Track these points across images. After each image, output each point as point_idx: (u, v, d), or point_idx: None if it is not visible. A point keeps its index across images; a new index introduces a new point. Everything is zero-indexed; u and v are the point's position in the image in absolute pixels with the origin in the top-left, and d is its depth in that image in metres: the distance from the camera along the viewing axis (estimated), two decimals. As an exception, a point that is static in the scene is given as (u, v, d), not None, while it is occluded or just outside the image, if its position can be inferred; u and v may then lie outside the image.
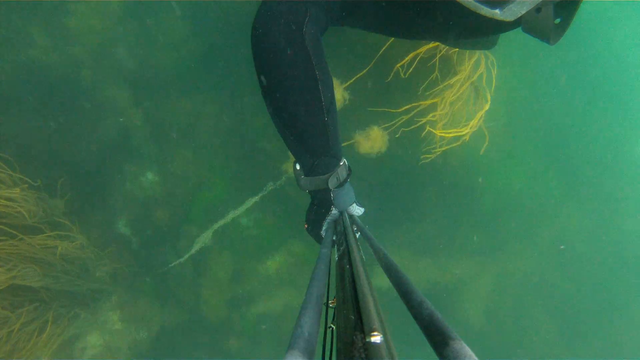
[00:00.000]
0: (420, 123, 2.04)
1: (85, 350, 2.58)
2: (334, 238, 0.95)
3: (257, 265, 2.46)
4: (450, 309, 2.63)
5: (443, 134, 2.05)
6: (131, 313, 2.60)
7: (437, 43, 1.85)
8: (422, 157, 2.17)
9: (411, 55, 1.90)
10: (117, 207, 2.39)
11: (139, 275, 2.54)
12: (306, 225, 1.16)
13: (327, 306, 0.56)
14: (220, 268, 2.43)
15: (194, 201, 2.33)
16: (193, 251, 2.47)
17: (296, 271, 2.51)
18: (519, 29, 0.91)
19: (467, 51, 1.93)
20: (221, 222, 2.41)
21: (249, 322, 2.58)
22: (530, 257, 2.62)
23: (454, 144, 2.11)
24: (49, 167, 2.23)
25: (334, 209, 1.06)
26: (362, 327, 0.40)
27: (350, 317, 0.44)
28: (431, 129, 2.02)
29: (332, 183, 0.99)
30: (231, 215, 2.39)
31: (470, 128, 2.07)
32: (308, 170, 0.99)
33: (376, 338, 0.35)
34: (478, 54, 1.97)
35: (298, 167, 1.03)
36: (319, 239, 1.14)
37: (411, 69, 1.91)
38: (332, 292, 0.59)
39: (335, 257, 0.78)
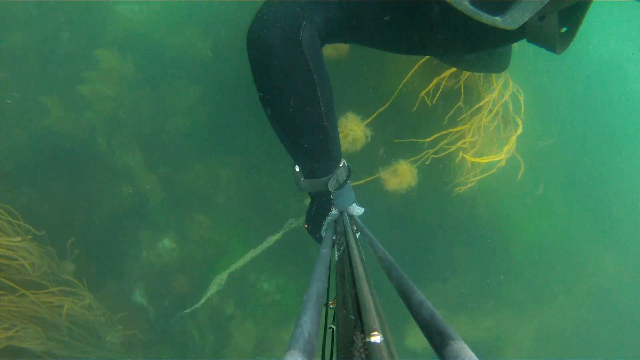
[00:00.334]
0: (450, 150, 1.94)
1: None
2: (334, 238, 0.95)
3: (281, 332, 2.31)
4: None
5: (477, 161, 1.95)
6: (147, 388, 2.42)
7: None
8: (455, 188, 2.06)
9: (435, 81, 1.83)
10: (134, 275, 2.27)
11: (156, 344, 2.38)
12: (306, 225, 1.16)
13: (327, 307, 0.55)
14: (243, 337, 2.28)
15: (214, 269, 2.21)
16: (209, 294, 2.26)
17: (321, 335, 2.35)
18: (524, 40, 0.88)
19: (494, 74, 1.87)
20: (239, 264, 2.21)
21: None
22: (569, 308, 2.49)
23: (489, 172, 1.99)
24: (63, 233, 2.14)
25: (334, 209, 1.07)
26: (362, 327, 0.40)
27: (350, 317, 0.44)
28: (465, 155, 1.92)
29: (331, 185, 0.99)
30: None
31: (505, 154, 1.97)
32: (308, 173, 0.99)
33: (376, 338, 0.35)
34: (503, 76, 1.90)
35: (297, 169, 1.02)
36: (319, 239, 1.15)
37: (437, 95, 1.84)
38: (332, 292, 0.58)
39: (335, 257, 0.78)
